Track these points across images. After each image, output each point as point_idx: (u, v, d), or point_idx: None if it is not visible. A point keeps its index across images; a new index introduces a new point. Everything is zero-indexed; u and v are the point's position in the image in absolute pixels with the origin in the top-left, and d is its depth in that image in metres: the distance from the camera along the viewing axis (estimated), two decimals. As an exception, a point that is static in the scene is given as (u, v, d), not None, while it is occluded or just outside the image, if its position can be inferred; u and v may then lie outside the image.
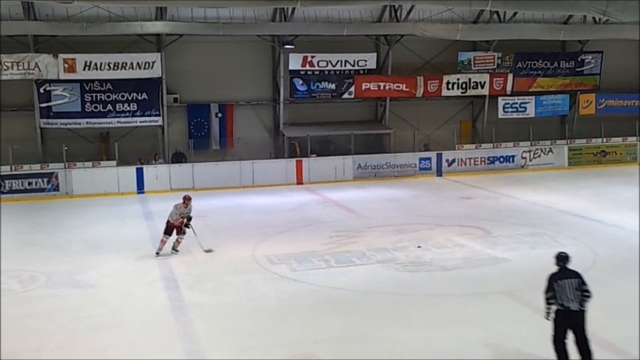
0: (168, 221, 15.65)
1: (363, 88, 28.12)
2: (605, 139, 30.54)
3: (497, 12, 27.73)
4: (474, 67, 29.34)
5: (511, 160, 29.25)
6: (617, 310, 11.34)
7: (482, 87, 29.49)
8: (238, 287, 13.06)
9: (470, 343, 9.94)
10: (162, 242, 15.58)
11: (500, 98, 29.88)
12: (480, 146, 29.40)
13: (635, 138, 30.95)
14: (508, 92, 30.02)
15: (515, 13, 27.77)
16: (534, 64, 30.42)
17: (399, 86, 28.45)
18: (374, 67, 28.31)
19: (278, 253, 15.56)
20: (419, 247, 15.81)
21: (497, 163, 29.07)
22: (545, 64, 30.56)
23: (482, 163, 28.95)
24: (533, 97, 30.38)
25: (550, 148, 29.89)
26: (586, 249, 15.38)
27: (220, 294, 12.71)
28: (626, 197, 22.25)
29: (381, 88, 28.35)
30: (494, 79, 29.60)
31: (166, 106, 26.49)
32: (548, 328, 10.56)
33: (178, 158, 26.65)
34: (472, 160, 28.83)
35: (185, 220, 15.68)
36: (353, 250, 15.63)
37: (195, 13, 25.84)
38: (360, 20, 27.50)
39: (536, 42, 29.01)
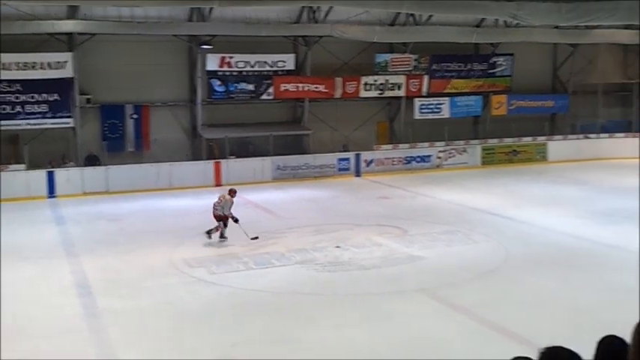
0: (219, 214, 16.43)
1: (282, 89, 28.10)
2: (516, 139, 31.57)
3: (413, 15, 28.23)
4: (391, 68, 29.78)
5: (427, 159, 29.84)
6: (529, 305, 11.73)
7: (399, 88, 29.97)
8: (155, 292, 12.81)
9: (388, 341, 10.07)
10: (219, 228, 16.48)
11: (416, 99, 30.43)
12: (398, 146, 29.88)
13: (544, 138, 32.13)
14: (424, 93, 30.60)
15: (430, 16, 28.32)
16: (449, 66, 31.15)
17: (317, 87, 28.57)
18: (293, 67, 28.33)
19: (196, 256, 15.36)
20: (337, 247, 15.91)
21: (413, 163, 29.61)
22: (459, 66, 31.34)
23: (400, 163, 29.42)
24: (448, 98, 31.08)
25: (464, 148, 30.67)
26: (498, 246, 15.85)
27: (136, 299, 12.42)
28: (535, 194, 23.09)
29: (300, 89, 28.40)
30: (411, 81, 30.13)
31: (78, 107, 25.69)
32: (464, 324, 10.86)
33: (92, 161, 25.90)
34: (390, 160, 29.26)
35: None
36: (272, 252, 15.58)
37: (109, 11, 25.16)
38: (278, 21, 27.46)
39: (451, 44, 29.67)
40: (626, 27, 30.15)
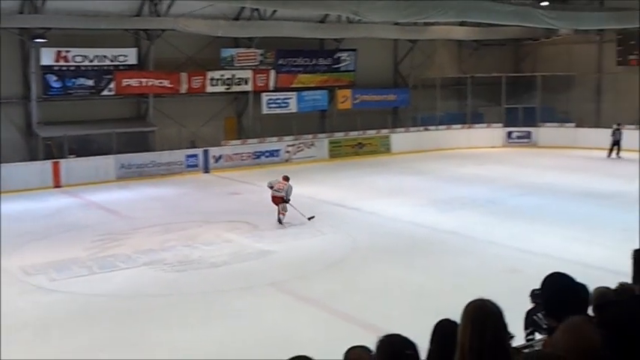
0: (274, 197, 17.68)
1: (124, 84, 27.04)
2: (361, 132, 32.42)
3: (257, 9, 28.18)
4: (237, 63, 29.57)
5: (276, 154, 29.95)
6: (377, 292, 12.06)
7: (246, 83, 29.81)
8: (-12, 303, 11.88)
9: (240, 337, 9.99)
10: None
11: (263, 94, 30.40)
12: (246, 142, 29.74)
13: (387, 130, 33.25)
14: (271, 88, 30.64)
15: (275, 11, 28.41)
16: (295, 61, 31.40)
17: (161, 82, 27.78)
18: (135, 62, 27.30)
19: (34, 262, 14.42)
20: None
21: (263, 157, 29.59)
22: (305, 61, 31.69)
23: (249, 158, 29.30)
24: (295, 92, 31.33)
25: (312, 142, 31.06)
26: (346, 236, 16.19)
27: (-34, 312, 11.46)
28: (380, 185, 23.81)
29: (143, 84, 27.44)
30: (258, 76, 30.08)
31: None
32: (314, 316, 10.97)
33: None
34: (239, 156, 29.05)
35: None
36: (118, 254, 14.96)
37: None
38: (118, 14, 26.39)
39: (297, 39, 29.93)
40: (461, 24, 31.94)
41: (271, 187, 17.91)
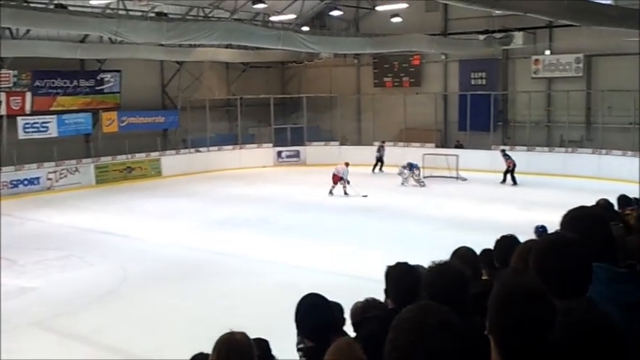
0: (335, 175, 24.52)
1: None
2: (130, 156, 31.27)
3: (9, 28, 26.12)
4: (-12, 85, 27.16)
5: (36, 182, 27.81)
6: (149, 323, 11.59)
7: (-2, 106, 27.46)
8: None
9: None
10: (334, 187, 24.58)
11: (19, 118, 28.16)
12: (1, 170, 27.32)
13: (157, 153, 32.46)
14: (28, 112, 28.49)
15: (28, 30, 26.54)
16: (54, 83, 29.52)
17: None
18: None
19: None
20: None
21: (21, 186, 27.32)
22: (65, 83, 29.92)
23: (5, 187, 26.85)
24: (55, 116, 29.43)
25: (76, 167, 29.35)
26: (116, 266, 15.41)
27: None
28: (151, 210, 23.09)
29: None
30: (12, 98, 27.81)
31: None
32: (80, 353, 10.24)
33: None
34: (-7, 185, 26.61)
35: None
36: None
37: None
38: None
39: (55, 60, 28.14)
40: (227, 46, 32.23)
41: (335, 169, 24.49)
